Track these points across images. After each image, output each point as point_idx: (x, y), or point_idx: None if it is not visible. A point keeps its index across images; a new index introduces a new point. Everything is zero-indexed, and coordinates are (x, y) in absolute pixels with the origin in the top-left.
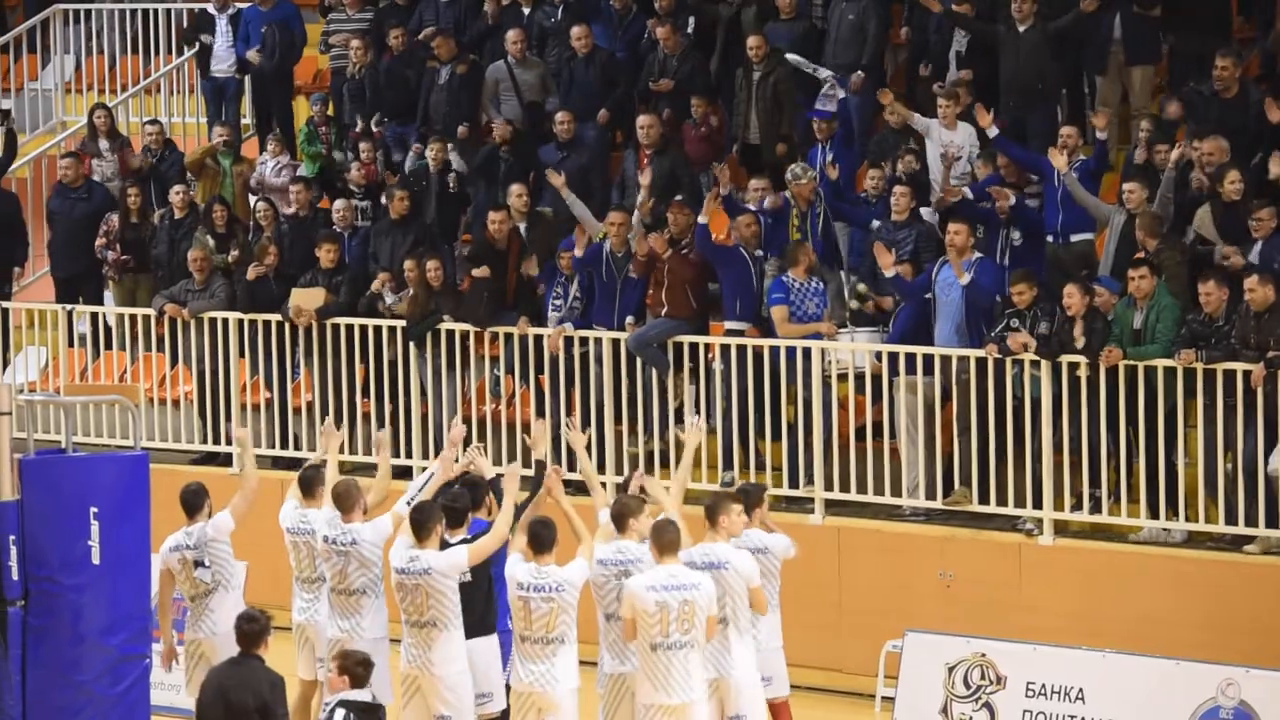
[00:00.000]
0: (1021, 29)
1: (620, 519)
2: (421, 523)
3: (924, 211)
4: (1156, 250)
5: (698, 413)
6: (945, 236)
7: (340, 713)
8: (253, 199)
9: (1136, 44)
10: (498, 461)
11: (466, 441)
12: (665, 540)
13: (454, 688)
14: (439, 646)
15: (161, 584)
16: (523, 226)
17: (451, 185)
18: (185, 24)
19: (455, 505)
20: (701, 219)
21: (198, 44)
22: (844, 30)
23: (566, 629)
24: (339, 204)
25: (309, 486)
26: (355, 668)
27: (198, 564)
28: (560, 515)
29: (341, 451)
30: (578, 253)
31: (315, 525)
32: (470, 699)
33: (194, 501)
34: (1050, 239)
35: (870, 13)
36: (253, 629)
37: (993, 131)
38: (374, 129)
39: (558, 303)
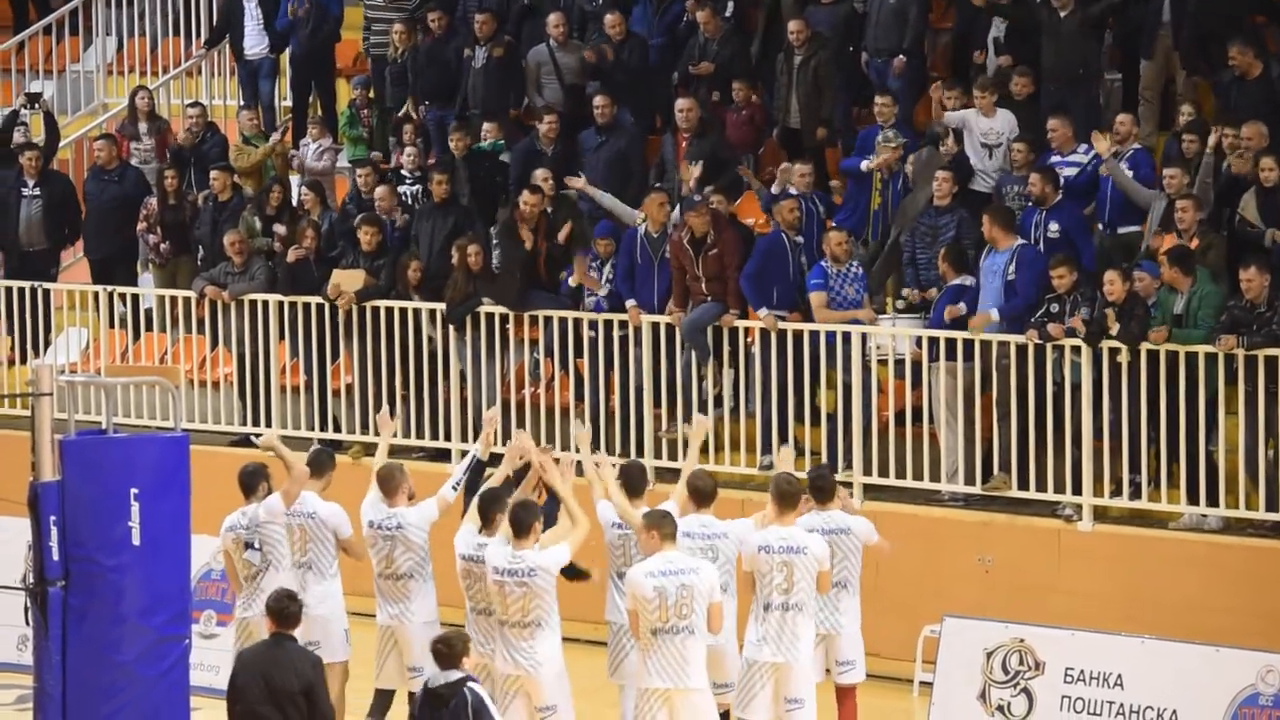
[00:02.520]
0: (1063, 14)
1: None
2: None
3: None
4: (1197, 233)
5: (704, 413)
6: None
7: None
8: (295, 181)
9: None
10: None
11: (505, 425)
12: (665, 529)
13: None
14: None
15: (226, 562)
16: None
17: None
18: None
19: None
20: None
21: (225, 37)
22: (885, 14)
23: (543, 613)
24: (381, 190)
25: (319, 468)
26: (436, 646)
27: (248, 545)
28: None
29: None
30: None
31: (315, 508)
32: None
33: (250, 482)
34: (1100, 227)
35: None
36: (293, 609)
37: (1108, 153)
38: (411, 114)
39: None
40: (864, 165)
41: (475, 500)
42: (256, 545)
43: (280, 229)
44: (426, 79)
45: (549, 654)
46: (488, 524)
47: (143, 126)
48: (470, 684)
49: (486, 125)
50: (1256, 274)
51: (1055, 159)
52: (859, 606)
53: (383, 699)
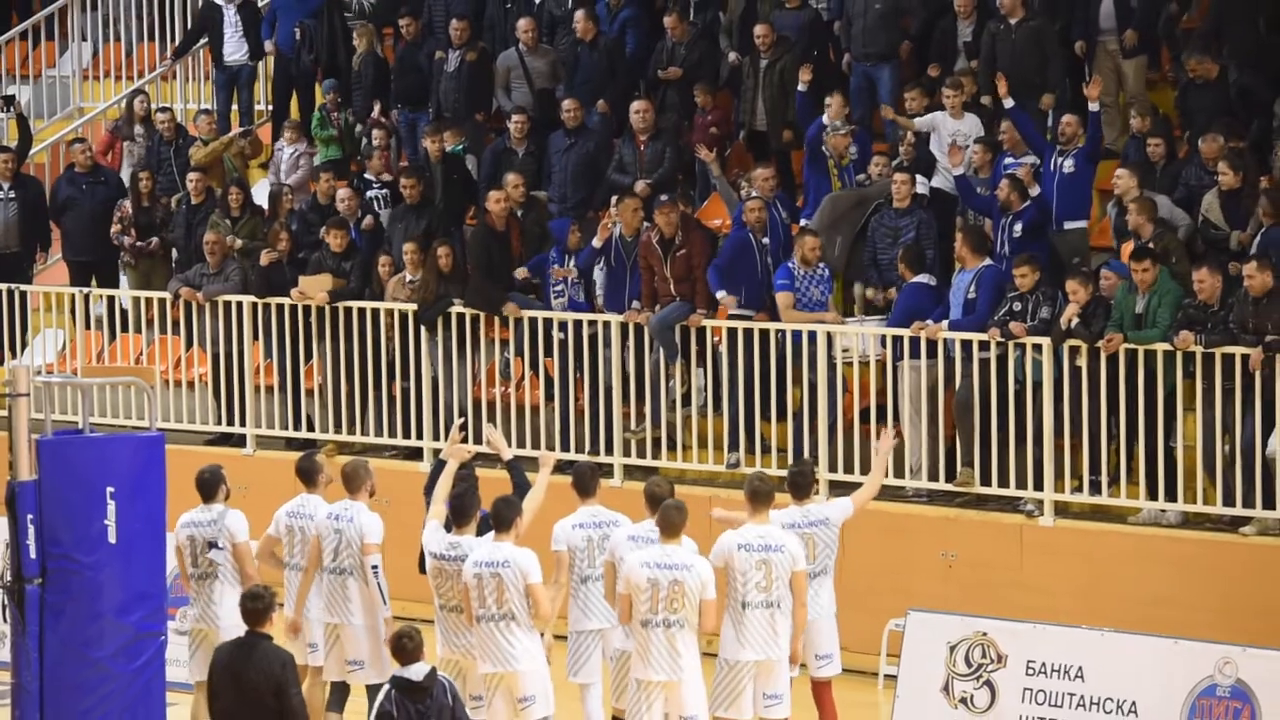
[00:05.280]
0: (1013, 21)
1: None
2: (505, 515)
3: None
4: (1155, 235)
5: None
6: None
7: (385, 688)
8: (269, 185)
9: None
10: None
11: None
12: (668, 522)
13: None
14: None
15: (178, 558)
16: (519, 212)
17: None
18: (197, 12)
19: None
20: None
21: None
22: (871, 19)
23: (517, 607)
24: (343, 192)
25: (308, 476)
26: (401, 642)
27: (211, 544)
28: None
29: (360, 434)
30: (596, 243)
31: (315, 513)
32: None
33: (210, 485)
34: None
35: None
36: (258, 606)
37: (1009, 103)
38: (381, 118)
39: (559, 287)
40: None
41: (452, 501)
42: (220, 544)
43: (239, 240)
44: (399, 83)
45: (527, 647)
46: (466, 522)
47: (138, 129)
48: (439, 673)
49: (447, 132)
50: (1208, 275)
51: (1008, 160)
52: (835, 596)
53: (339, 690)
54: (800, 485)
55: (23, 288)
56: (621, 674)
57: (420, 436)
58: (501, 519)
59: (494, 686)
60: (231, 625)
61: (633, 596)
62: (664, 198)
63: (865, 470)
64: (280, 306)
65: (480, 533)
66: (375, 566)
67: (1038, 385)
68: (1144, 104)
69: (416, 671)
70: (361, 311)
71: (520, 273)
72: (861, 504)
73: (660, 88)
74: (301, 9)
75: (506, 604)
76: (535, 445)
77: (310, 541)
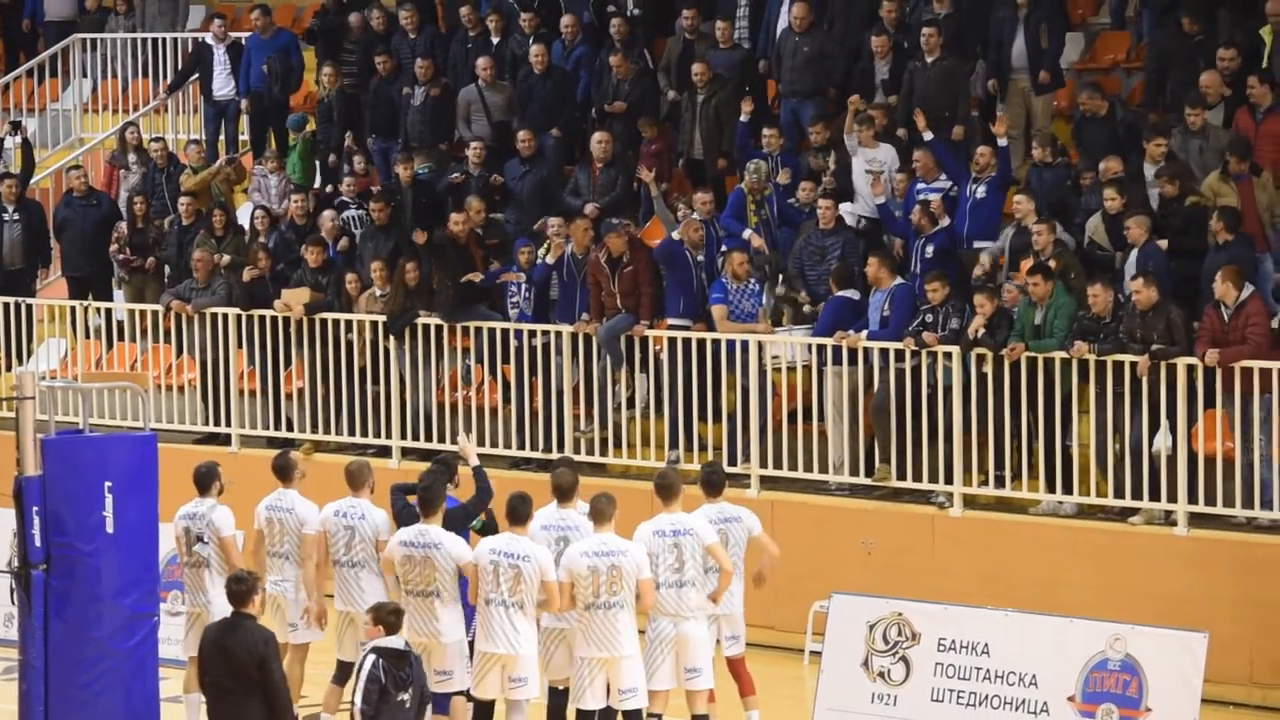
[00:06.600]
0: (929, 59)
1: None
2: (519, 511)
3: (844, 210)
4: (1056, 254)
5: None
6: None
7: (371, 658)
8: (251, 207)
9: (1037, 74)
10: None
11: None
12: (599, 511)
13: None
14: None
15: (177, 546)
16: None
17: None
18: (188, 51)
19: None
20: (677, 235)
21: (194, 75)
22: (799, 61)
23: (525, 597)
24: (327, 213)
25: (284, 472)
26: (388, 616)
27: (198, 539)
28: None
29: (335, 433)
30: (550, 260)
31: (293, 506)
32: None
33: (205, 480)
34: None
35: (822, 46)
36: (241, 589)
37: (928, 135)
38: (354, 147)
39: (514, 299)
40: (745, 234)
41: (420, 491)
42: (205, 539)
43: (225, 256)
44: (373, 115)
45: (529, 634)
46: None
47: (132, 158)
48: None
49: (417, 158)
50: (1101, 290)
51: (920, 186)
52: (743, 588)
53: (343, 669)
54: (713, 483)
55: (27, 301)
56: (551, 649)
57: (390, 436)
58: (517, 514)
59: (489, 665)
60: (222, 608)
61: (575, 584)
62: (614, 221)
63: (793, 467)
64: (262, 318)
65: (448, 524)
66: None
67: (948, 389)
68: (1045, 136)
69: (398, 641)
70: (336, 322)
71: (474, 276)
72: (765, 540)
73: (606, 120)
74: (269, 47)
75: (519, 594)
76: (494, 444)
77: (288, 530)
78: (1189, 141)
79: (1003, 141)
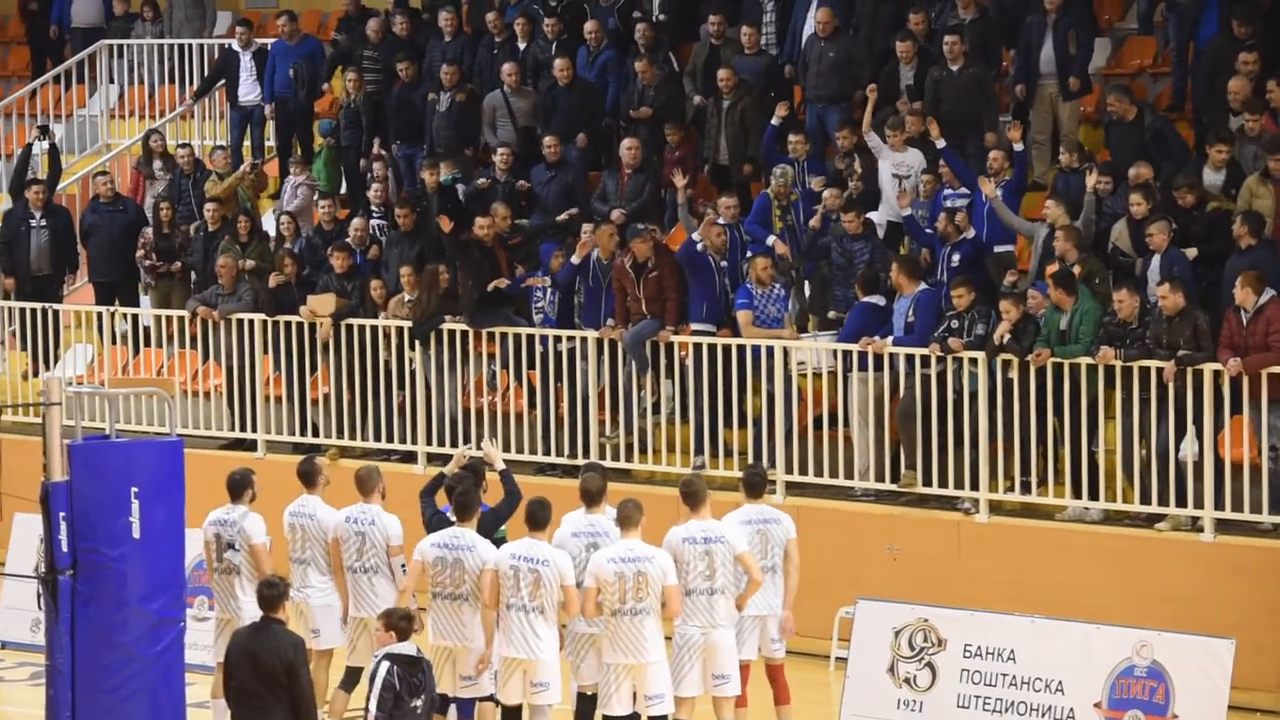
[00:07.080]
0: (955, 68)
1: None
2: (539, 517)
3: (873, 216)
4: (1079, 260)
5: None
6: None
7: (385, 664)
8: (276, 213)
9: (1066, 80)
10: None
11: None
12: (626, 517)
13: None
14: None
15: (205, 551)
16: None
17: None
18: (215, 58)
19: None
20: (696, 236)
21: (221, 82)
22: (824, 67)
23: (548, 601)
24: (356, 221)
25: (309, 478)
26: (400, 622)
27: (229, 545)
28: None
29: (360, 439)
30: (575, 259)
31: (315, 512)
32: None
33: (238, 486)
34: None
35: (847, 51)
36: (272, 594)
37: (941, 143)
38: (381, 152)
39: (539, 304)
40: (769, 240)
41: (455, 497)
42: (236, 547)
43: (249, 262)
44: (397, 121)
45: (549, 639)
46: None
47: (157, 164)
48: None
49: (443, 163)
50: (1127, 295)
51: (947, 192)
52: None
53: (352, 674)
54: (755, 485)
55: (55, 307)
56: (581, 655)
57: (415, 442)
58: (537, 519)
59: (511, 670)
60: (251, 615)
61: (601, 590)
62: (640, 227)
63: (818, 473)
64: (288, 323)
65: (481, 528)
66: (404, 565)
67: (974, 395)
68: (1072, 141)
69: (410, 647)
70: (362, 328)
71: (500, 282)
72: (791, 550)
73: (632, 125)
74: (295, 53)
75: (540, 598)
76: (519, 450)
77: (310, 537)
78: (1244, 147)
79: (1018, 146)
